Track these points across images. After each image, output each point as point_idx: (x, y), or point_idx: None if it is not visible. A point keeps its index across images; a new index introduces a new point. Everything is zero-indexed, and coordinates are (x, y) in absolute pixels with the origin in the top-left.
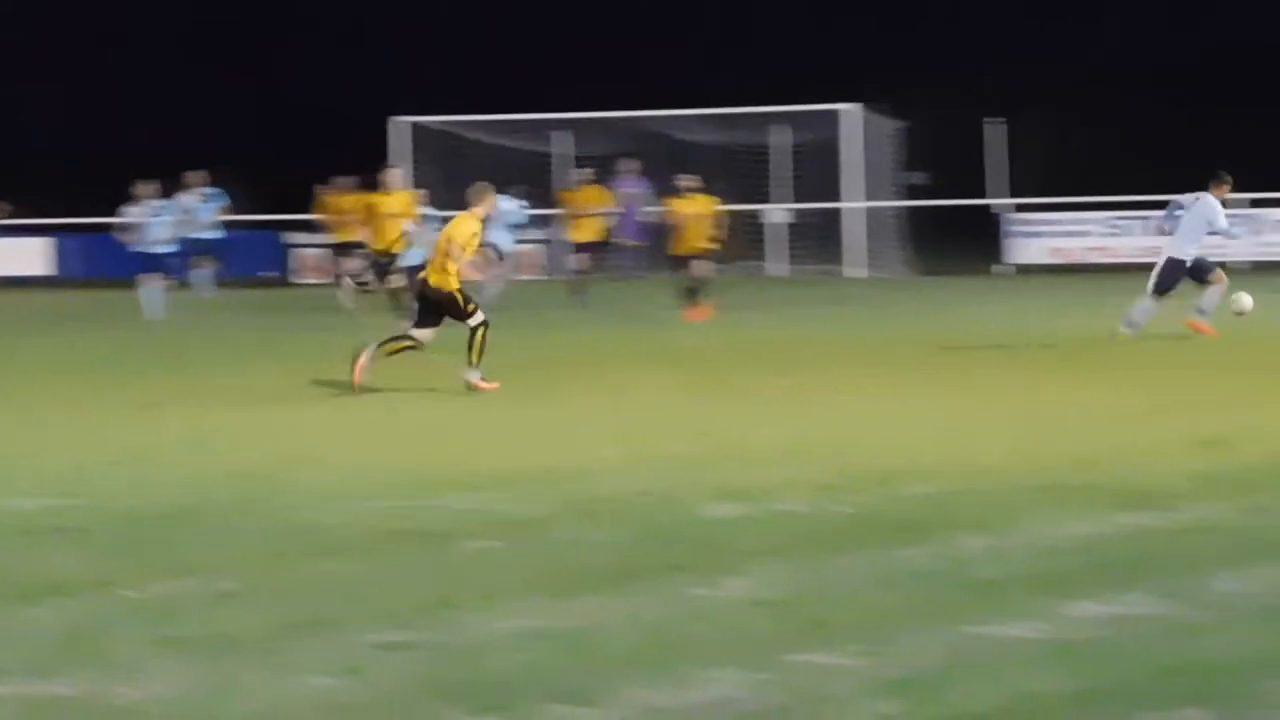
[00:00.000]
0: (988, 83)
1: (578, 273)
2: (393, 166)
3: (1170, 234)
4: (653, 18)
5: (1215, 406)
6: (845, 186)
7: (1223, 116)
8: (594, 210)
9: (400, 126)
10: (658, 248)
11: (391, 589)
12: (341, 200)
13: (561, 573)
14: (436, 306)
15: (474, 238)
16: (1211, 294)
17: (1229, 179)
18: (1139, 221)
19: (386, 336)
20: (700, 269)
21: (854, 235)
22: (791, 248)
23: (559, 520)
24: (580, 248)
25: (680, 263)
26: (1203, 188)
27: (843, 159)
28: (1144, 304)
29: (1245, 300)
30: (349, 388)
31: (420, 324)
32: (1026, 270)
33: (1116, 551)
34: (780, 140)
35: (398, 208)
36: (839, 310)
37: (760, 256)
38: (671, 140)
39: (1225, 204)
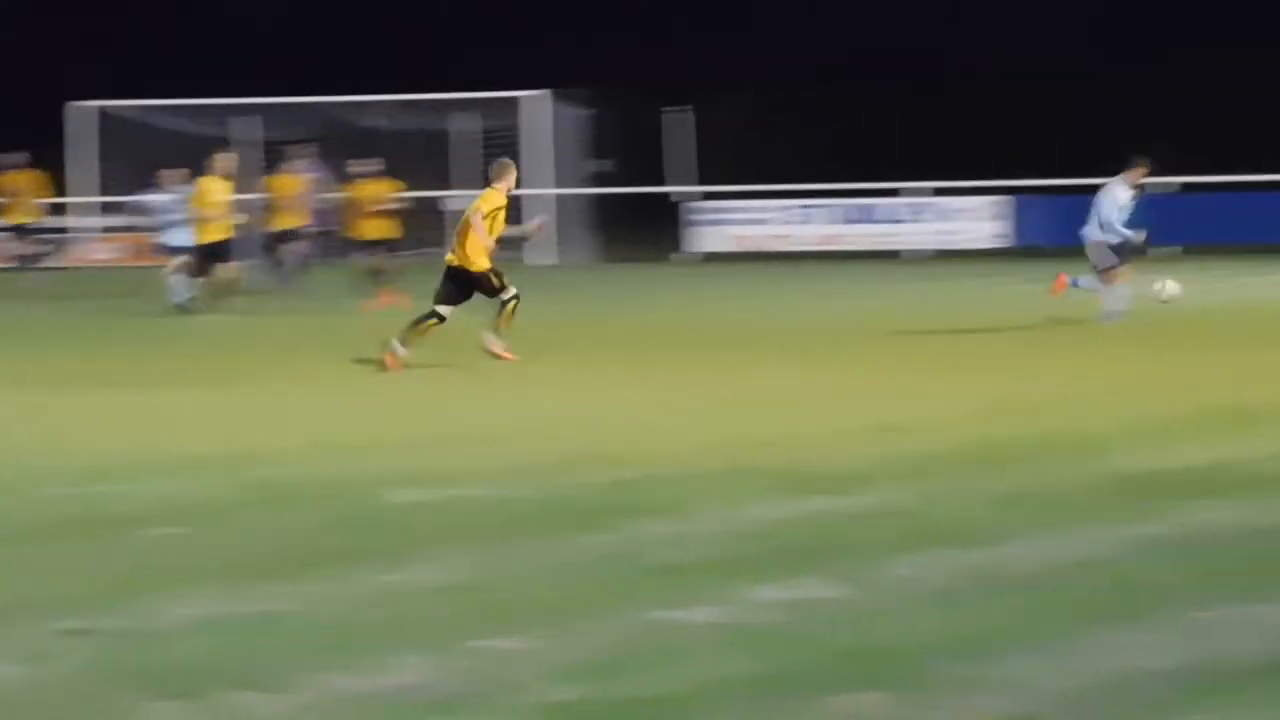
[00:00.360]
0: (672, 72)
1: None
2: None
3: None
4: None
5: (894, 393)
6: (531, 173)
7: (898, 110)
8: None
9: (80, 112)
10: (335, 233)
11: (73, 575)
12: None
13: (246, 559)
14: (465, 284)
15: (499, 212)
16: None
17: (1142, 163)
18: (820, 209)
19: (410, 321)
20: (378, 256)
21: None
22: None
23: (245, 506)
24: (283, 236)
25: (359, 248)
26: (880, 177)
27: (528, 146)
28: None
29: (1172, 287)
30: (29, 372)
31: (448, 301)
32: (710, 258)
33: (797, 536)
34: (465, 126)
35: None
36: (525, 297)
37: (442, 243)
38: (358, 127)
39: (1141, 189)
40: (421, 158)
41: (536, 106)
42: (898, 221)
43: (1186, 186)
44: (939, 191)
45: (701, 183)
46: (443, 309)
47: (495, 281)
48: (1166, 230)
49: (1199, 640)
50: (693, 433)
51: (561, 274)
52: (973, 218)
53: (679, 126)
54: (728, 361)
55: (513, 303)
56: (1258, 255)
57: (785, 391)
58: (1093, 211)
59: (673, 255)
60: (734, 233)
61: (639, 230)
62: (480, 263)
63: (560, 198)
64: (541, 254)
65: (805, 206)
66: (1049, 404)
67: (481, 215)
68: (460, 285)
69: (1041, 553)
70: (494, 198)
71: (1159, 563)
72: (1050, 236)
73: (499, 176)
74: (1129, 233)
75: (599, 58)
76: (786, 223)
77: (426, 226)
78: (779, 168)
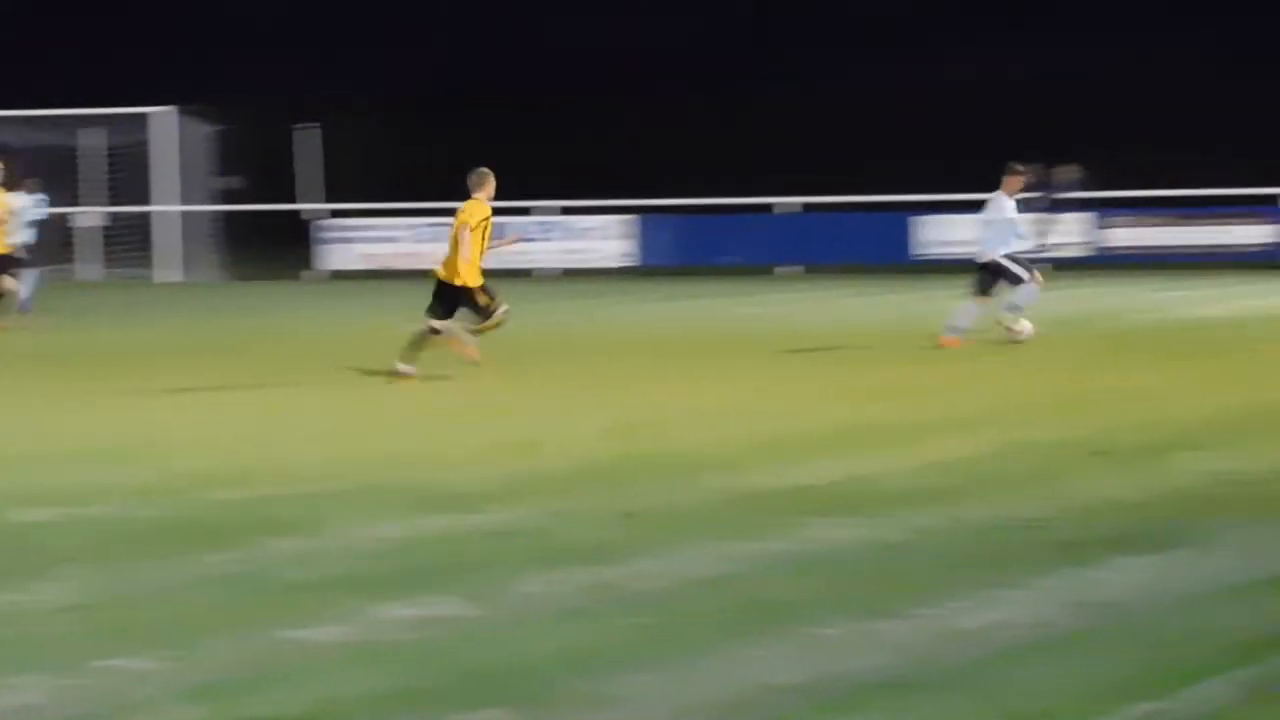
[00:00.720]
0: (302, 90)
1: None
2: None
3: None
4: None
5: (526, 411)
6: (158, 190)
7: (527, 127)
8: None
9: None
10: None
11: None
12: None
13: None
14: (452, 299)
15: (487, 223)
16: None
17: (1019, 170)
18: (449, 228)
19: (408, 340)
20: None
21: (167, 239)
22: (105, 251)
23: None
24: None
25: None
26: (511, 196)
27: (155, 162)
28: (972, 308)
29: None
30: None
31: (439, 317)
32: (338, 275)
33: (427, 554)
34: (92, 142)
35: None
36: (151, 314)
37: (70, 259)
38: None
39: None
40: (48, 174)
41: (163, 122)
42: (528, 240)
43: (808, 207)
44: (566, 210)
45: (330, 200)
46: (435, 324)
47: (484, 299)
48: (790, 249)
49: (822, 656)
50: (324, 450)
51: (188, 292)
52: (601, 236)
53: (308, 143)
54: (358, 379)
55: (502, 316)
56: (877, 274)
57: (416, 409)
58: (987, 230)
59: (303, 273)
60: (362, 250)
61: (269, 248)
62: (470, 278)
63: (187, 214)
64: (168, 271)
65: (434, 225)
66: (678, 422)
67: (470, 228)
68: (447, 301)
69: (669, 570)
70: (478, 209)
71: (784, 579)
72: (674, 256)
73: (479, 186)
74: (1025, 242)
75: (227, 73)
76: (417, 240)
77: (55, 244)
78: (410, 186)
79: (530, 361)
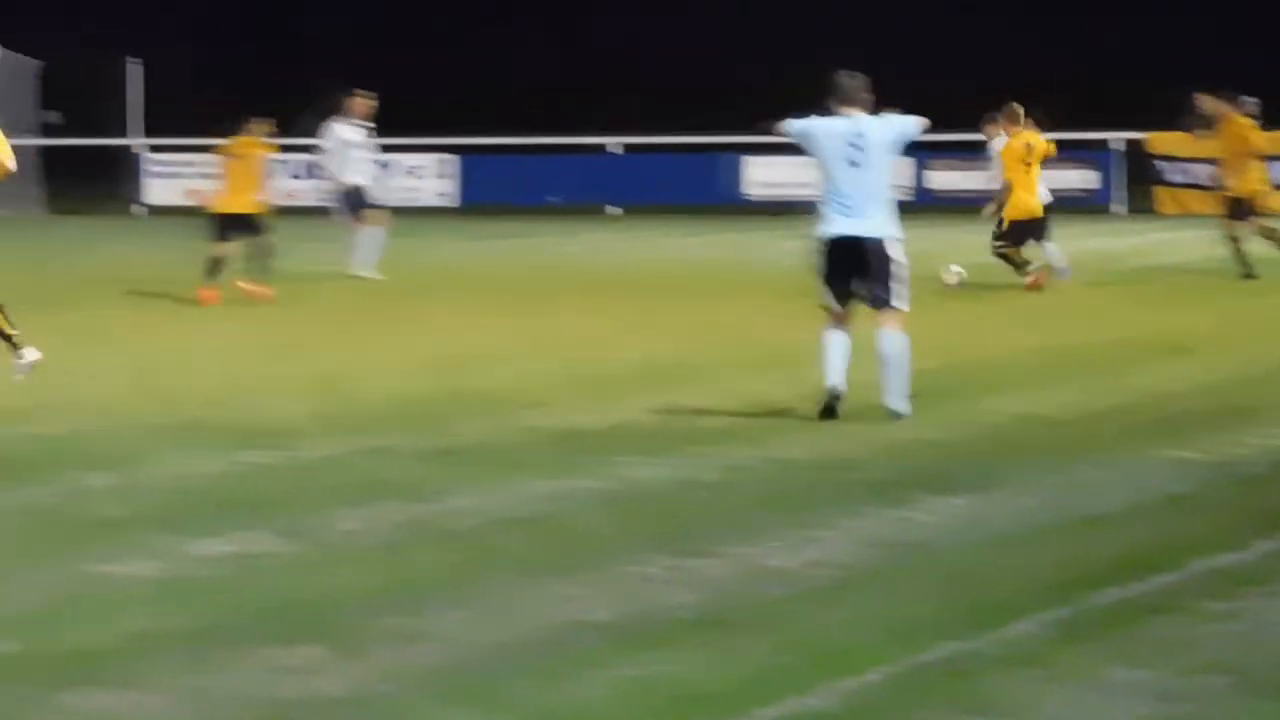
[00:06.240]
0: (125, 21)
1: None
2: None
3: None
4: None
5: (334, 346)
6: None
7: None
8: None
9: None
10: None
11: None
12: None
13: None
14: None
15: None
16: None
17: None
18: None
19: None
20: None
21: None
22: None
23: None
24: None
25: None
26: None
27: None
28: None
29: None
30: None
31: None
32: (160, 211)
33: (241, 490)
34: None
35: None
36: None
37: None
38: None
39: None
40: None
41: None
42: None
43: (629, 147)
44: (387, 149)
45: (150, 135)
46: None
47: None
48: (612, 191)
49: (634, 593)
50: (135, 385)
51: (4, 226)
52: (421, 175)
53: (131, 78)
54: (172, 316)
55: None
56: (690, 215)
57: (230, 345)
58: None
59: (134, 208)
60: (185, 185)
61: (90, 181)
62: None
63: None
64: None
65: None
66: (489, 359)
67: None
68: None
69: (481, 506)
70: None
71: (598, 517)
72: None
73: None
74: None
75: (50, 6)
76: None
77: None
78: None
79: (341, 296)
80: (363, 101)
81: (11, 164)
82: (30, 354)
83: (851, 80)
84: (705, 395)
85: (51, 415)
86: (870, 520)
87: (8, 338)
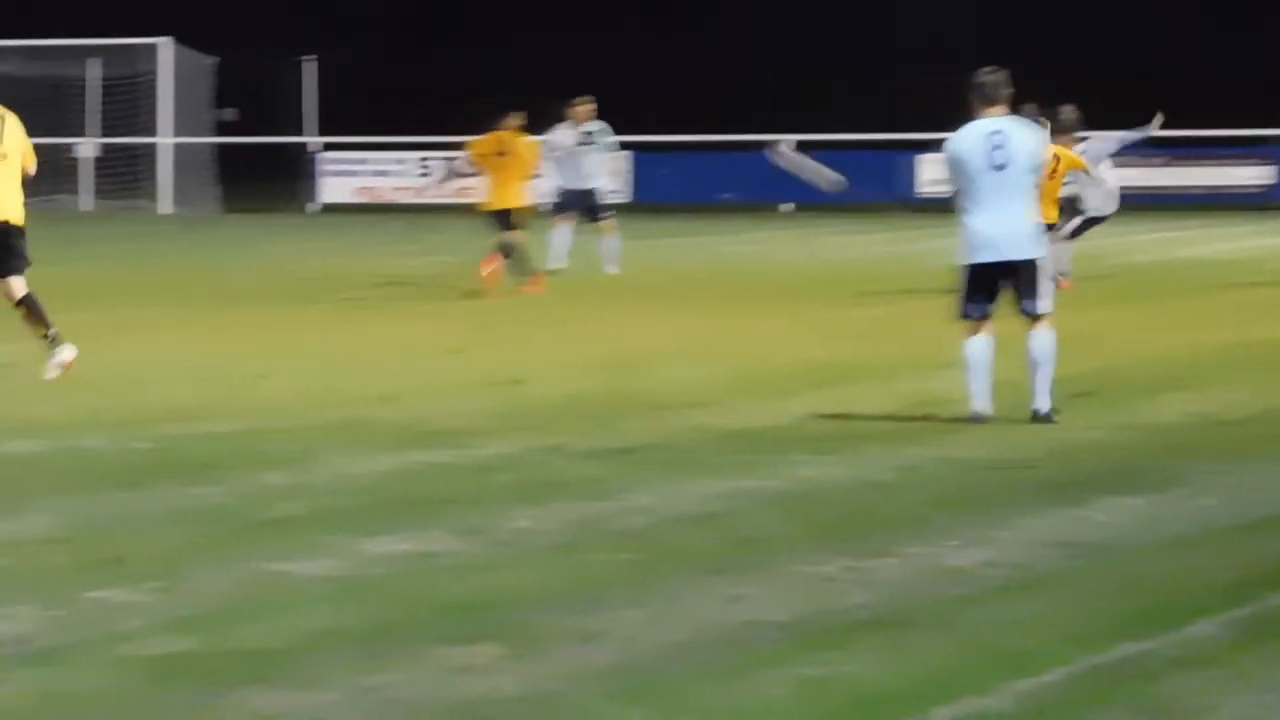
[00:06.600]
0: (301, 20)
1: None
2: None
3: None
4: None
5: (508, 347)
6: (156, 121)
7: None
8: None
9: None
10: None
11: None
12: None
13: None
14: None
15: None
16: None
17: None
18: (440, 163)
19: None
20: None
21: (164, 170)
22: (99, 182)
23: None
24: None
25: None
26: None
27: (151, 93)
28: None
29: None
30: None
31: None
32: (333, 209)
33: (415, 488)
34: (91, 73)
35: None
36: (145, 246)
37: (76, 191)
38: None
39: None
40: (47, 105)
41: (160, 54)
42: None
43: (801, 145)
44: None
45: (324, 133)
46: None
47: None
48: (785, 188)
49: (809, 593)
50: (309, 384)
51: (181, 224)
52: None
53: (306, 76)
54: (346, 314)
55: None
56: (863, 213)
57: (401, 344)
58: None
59: (308, 206)
60: (358, 184)
61: (265, 180)
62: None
63: (180, 146)
64: (162, 203)
65: (424, 160)
66: (659, 358)
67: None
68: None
69: (655, 505)
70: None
71: (770, 516)
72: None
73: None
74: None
75: (225, 5)
76: (408, 175)
77: (57, 175)
78: (404, 121)
79: (511, 297)
80: (583, 108)
81: (32, 167)
82: (66, 352)
83: (994, 76)
84: (876, 395)
85: (225, 414)
86: (1047, 520)
87: (44, 334)
